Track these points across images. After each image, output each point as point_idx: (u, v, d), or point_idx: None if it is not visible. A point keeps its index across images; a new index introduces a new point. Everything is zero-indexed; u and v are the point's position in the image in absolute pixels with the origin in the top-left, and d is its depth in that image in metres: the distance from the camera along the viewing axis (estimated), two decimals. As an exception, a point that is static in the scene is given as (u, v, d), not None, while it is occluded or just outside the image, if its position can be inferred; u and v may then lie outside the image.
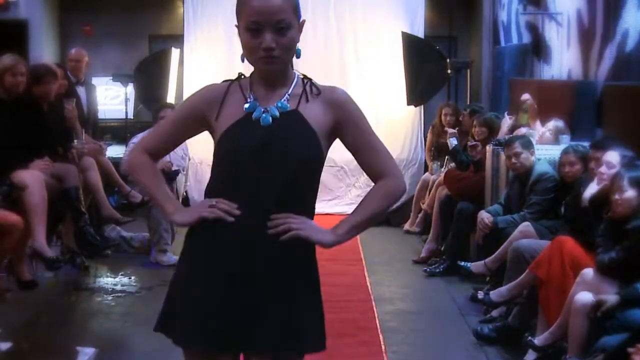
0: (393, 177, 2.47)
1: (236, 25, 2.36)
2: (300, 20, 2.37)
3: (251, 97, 2.37)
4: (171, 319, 2.43)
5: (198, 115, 2.43)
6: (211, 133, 2.45)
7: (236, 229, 2.32)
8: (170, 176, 7.20)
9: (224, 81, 2.46)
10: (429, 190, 8.08)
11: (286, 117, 2.35)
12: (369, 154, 2.48)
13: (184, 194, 7.75)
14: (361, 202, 2.50)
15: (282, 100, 2.36)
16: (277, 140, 2.32)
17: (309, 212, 2.44)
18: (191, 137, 2.54)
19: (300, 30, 2.36)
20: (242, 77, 2.43)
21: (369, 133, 2.48)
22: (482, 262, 5.63)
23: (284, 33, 2.29)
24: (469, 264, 5.87)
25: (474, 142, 7.07)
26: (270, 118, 2.34)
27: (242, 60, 2.38)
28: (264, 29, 2.27)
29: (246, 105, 2.36)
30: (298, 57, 2.40)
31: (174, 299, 2.43)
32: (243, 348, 2.39)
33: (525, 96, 6.84)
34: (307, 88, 2.40)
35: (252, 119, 2.34)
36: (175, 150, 7.41)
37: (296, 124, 2.35)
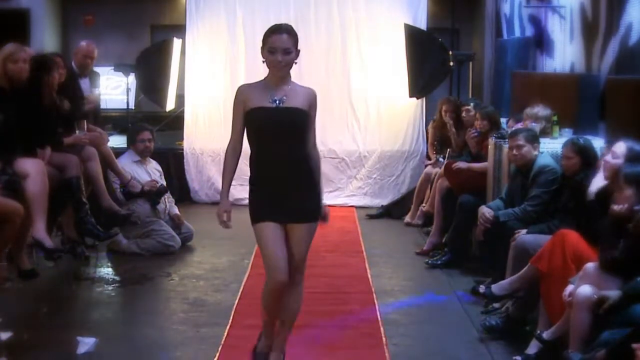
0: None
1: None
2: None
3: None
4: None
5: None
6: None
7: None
8: (158, 193, 7.16)
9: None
10: (430, 184, 8.05)
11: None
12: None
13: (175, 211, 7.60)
14: None
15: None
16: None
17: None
18: None
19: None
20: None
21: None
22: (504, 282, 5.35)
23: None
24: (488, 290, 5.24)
25: (474, 133, 7.04)
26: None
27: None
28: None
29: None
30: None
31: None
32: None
33: (547, 110, 6.37)
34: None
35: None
36: (152, 170, 7.47)
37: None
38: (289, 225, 4.13)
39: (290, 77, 4.11)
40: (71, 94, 6.74)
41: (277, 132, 4.05)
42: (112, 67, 9.89)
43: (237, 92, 4.17)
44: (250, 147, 4.15)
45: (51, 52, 7.63)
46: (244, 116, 4.10)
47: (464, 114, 7.82)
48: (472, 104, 7.76)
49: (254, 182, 4.17)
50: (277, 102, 4.05)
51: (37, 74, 5.87)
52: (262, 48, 4.05)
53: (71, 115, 6.58)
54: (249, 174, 4.17)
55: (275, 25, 4.10)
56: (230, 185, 4.21)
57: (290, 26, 4.10)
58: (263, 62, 4.07)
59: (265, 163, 4.10)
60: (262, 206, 4.12)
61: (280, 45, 3.99)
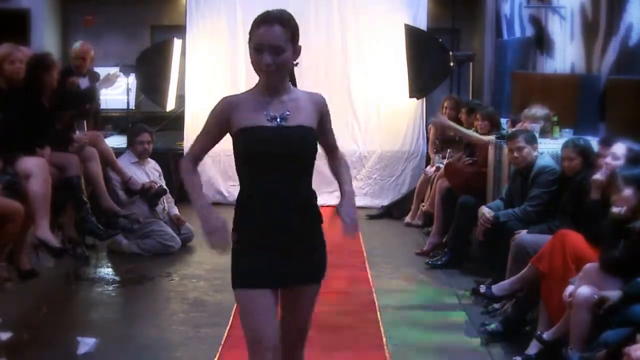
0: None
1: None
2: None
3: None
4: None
5: None
6: None
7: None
8: (157, 194, 7.18)
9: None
10: (431, 184, 8.05)
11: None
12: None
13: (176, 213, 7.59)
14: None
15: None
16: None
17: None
18: None
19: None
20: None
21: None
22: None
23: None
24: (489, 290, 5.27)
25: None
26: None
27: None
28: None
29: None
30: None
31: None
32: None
33: (545, 109, 6.36)
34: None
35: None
36: (151, 171, 7.48)
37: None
38: (287, 288, 3.07)
39: (289, 82, 3.04)
40: (69, 93, 6.76)
41: (280, 161, 2.92)
42: (113, 67, 9.88)
43: (219, 103, 3.07)
44: (240, 181, 3.06)
45: (42, 51, 7.62)
46: (233, 139, 3.01)
47: (460, 115, 7.89)
48: (465, 109, 7.81)
49: (242, 230, 2.98)
50: (278, 119, 2.95)
51: (35, 73, 5.87)
52: (249, 43, 2.91)
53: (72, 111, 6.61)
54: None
55: (265, 12, 2.89)
56: (205, 197, 3.09)
57: (286, 14, 2.90)
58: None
59: (260, 202, 2.95)
60: (252, 266, 2.96)
61: (268, 40, 2.83)
